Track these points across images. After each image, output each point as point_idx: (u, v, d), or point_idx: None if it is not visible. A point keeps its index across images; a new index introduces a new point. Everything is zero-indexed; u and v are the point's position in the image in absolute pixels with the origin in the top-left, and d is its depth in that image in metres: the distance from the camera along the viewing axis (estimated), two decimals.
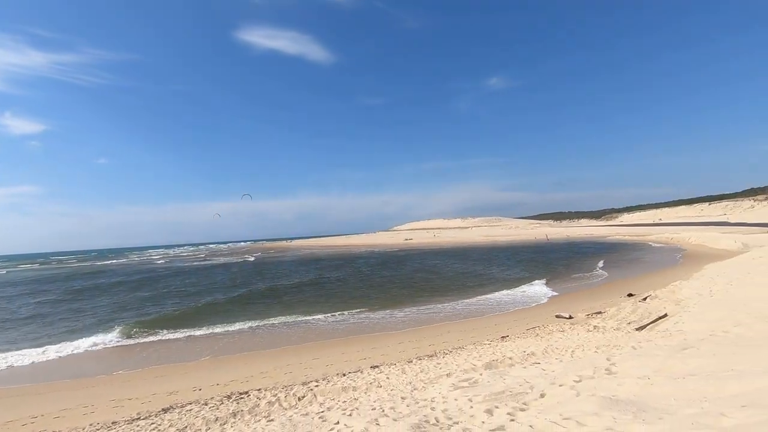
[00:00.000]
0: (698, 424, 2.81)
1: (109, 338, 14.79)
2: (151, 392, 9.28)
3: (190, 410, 7.67)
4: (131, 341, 14.55)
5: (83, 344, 14.11)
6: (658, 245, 45.40)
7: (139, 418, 7.52)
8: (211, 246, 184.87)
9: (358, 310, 18.11)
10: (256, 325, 16.07)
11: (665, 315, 10.78)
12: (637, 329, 10.11)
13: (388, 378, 8.42)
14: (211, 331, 15.48)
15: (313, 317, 17.04)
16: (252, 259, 64.18)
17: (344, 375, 9.25)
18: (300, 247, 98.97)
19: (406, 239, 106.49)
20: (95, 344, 14.18)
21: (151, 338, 14.80)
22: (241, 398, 8.13)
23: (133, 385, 10.03)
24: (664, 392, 4.05)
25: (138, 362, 12.21)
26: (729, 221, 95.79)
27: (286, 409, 7.25)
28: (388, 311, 17.72)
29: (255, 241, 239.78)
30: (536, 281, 24.23)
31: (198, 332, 15.32)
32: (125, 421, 7.45)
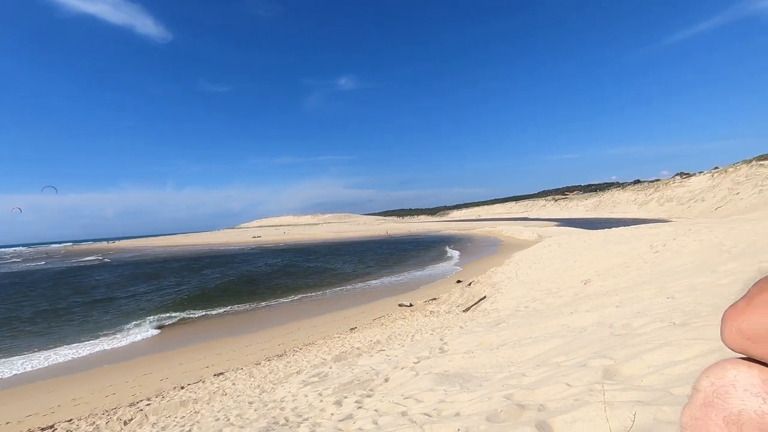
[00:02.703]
0: (507, 385, 3.39)
1: None
2: None
3: None
4: None
5: None
6: (480, 237, 53.10)
7: None
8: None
9: (200, 312, 16.60)
10: (68, 346, 13.33)
11: (484, 297, 12.67)
12: (464, 311, 11.66)
13: (234, 384, 7.94)
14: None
15: (146, 324, 14.95)
16: (109, 259, 53.16)
17: (183, 388, 8.38)
18: (129, 249, 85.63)
19: (254, 237, 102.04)
20: None
21: None
22: None
23: None
24: (483, 362, 4.76)
25: None
26: (529, 217, 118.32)
27: None
28: (227, 311, 16.70)
29: (76, 242, 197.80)
30: (383, 277, 25.85)
31: None
32: None
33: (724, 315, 0.52)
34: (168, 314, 16.67)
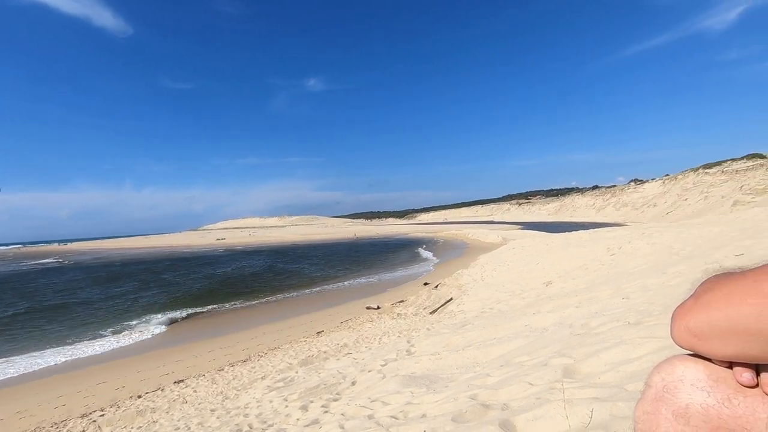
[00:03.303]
0: (472, 385, 3.44)
1: None
2: None
3: None
4: None
5: None
6: (447, 240, 53.88)
7: None
8: None
9: (160, 317, 15.95)
10: (15, 356, 12.48)
11: (451, 299, 12.84)
12: (430, 313, 11.78)
13: (195, 392, 7.67)
14: None
15: (100, 334, 14.21)
16: (70, 262, 50.00)
17: (140, 396, 8.02)
18: (85, 251, 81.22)
19: (219, 239, 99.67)
20: None
21: None
22: None
23: None
24: (449, 364, 4.82)
25: None
26: (494, 220, 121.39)
27: None
28: (190, 313, 16.16)
29: (25, 244, 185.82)
30: (350, 279, 25.76)
31: None
32: None
33: (673, 314, 0.54)
34: (127, 322, 15.95)
